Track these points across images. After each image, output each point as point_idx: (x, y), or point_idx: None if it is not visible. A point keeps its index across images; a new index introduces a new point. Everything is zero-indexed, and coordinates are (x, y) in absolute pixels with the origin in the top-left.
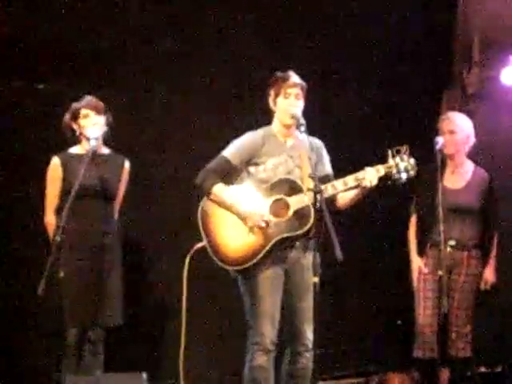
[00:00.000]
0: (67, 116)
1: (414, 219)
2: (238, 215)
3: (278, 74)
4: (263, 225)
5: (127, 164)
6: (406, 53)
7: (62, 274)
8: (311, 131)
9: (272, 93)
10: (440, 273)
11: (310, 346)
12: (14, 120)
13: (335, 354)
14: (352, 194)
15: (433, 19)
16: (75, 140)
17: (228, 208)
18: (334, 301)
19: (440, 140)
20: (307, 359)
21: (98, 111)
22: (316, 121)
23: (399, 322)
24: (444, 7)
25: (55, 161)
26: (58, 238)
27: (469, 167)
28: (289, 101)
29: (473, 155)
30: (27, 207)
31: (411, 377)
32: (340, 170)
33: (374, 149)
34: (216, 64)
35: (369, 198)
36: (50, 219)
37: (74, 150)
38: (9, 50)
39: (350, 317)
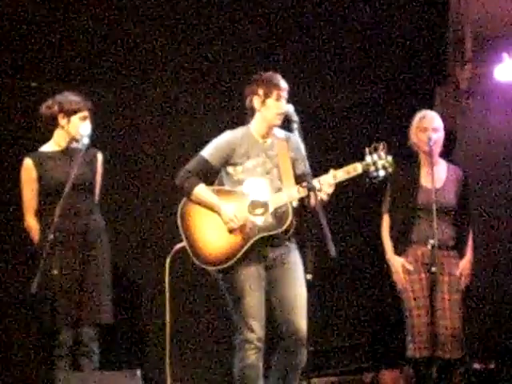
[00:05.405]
0: (56, 107)
1: (386, 219)
2: (220, 215)
3: (268, 74)
4: (235, 226)
5: (100, 156)
6: (399, 49)
7: (55, 272)
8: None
9: (261, 92)
10: (433, 269)
11: (305, 341)
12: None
13: (329, 351)
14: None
15: (426, 16)
16: (50, 130)
17: (210, 208)
18: (328, 298)
19: (433, 137)
20: (302, 354)
21: (91, 114)
22: (305, 119)
23: (393, 319)
24: (437, 4)
25: (27, 162)
26: (51, 236)
27: (443, 165)
28: (280, 103)
29: (465, 151)
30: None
31: (405, 374)
32: (333, 167)
33: (367, 145)
34: (203, 60)
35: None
36: (31, 222)
37: (46, 147)
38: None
39: (344, 314)
